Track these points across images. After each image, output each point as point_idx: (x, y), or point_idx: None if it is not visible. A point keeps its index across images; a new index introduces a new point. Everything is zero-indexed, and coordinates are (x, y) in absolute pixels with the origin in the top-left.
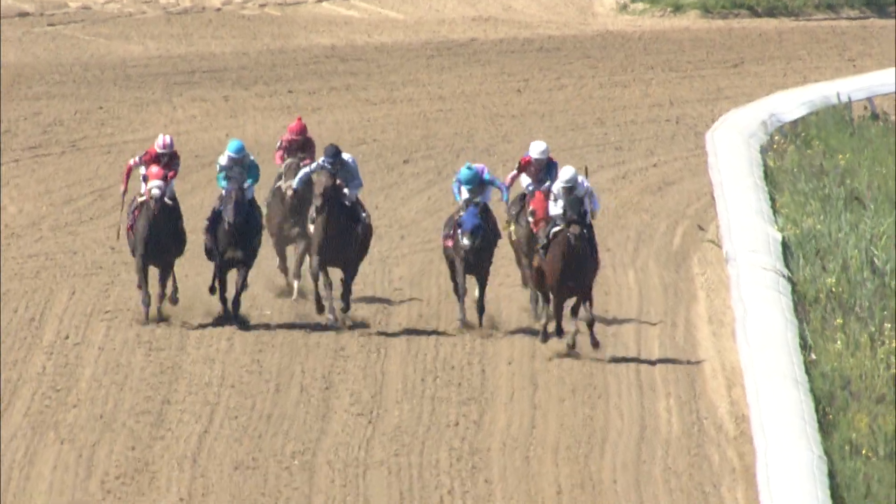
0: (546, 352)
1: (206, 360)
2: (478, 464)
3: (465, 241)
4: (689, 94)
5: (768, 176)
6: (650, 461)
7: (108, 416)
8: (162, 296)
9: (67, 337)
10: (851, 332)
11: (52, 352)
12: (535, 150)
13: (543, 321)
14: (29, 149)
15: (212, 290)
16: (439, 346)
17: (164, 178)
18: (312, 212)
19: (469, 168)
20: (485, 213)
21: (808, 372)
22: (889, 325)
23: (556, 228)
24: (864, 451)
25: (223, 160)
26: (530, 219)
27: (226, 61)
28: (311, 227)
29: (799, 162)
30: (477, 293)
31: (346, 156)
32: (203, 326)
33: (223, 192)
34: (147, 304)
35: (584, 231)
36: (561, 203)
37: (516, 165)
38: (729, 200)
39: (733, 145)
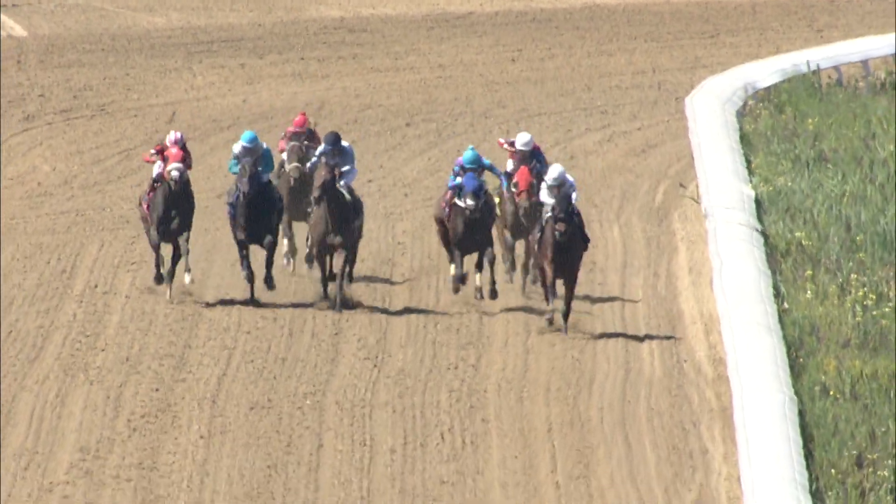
0: (537, 304)
1: (225, 307)
2: (475, 404)
3: (470, 202)
4: (670, 62)
5: (743, 138)
6: (634, 401)
7: (134, 360)
8: (188, 269)
9: (96, 286)
10: (820, 282)
11: (82, 300)
12: (520, 141)
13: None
14: (61, 112)
15: (247, 276)
16: (439, 295)
17: (183, 160)
18: (312, 201)
19: (472, 150)
20: (483, 188)
21: (780, 319)
22: (855, 276)
23: (547, 217)
24: (832, 393)
25: (237, 149)
26: (514, 189)
27: (242, 32)
28: (310, 220)
29: (772, 125)
30: (478, 280)
31: (344, 143)
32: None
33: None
34: (162, 277)
35: (569, 228)
36: (550, 199)
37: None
38: (707, 161)
39: (711, 110)
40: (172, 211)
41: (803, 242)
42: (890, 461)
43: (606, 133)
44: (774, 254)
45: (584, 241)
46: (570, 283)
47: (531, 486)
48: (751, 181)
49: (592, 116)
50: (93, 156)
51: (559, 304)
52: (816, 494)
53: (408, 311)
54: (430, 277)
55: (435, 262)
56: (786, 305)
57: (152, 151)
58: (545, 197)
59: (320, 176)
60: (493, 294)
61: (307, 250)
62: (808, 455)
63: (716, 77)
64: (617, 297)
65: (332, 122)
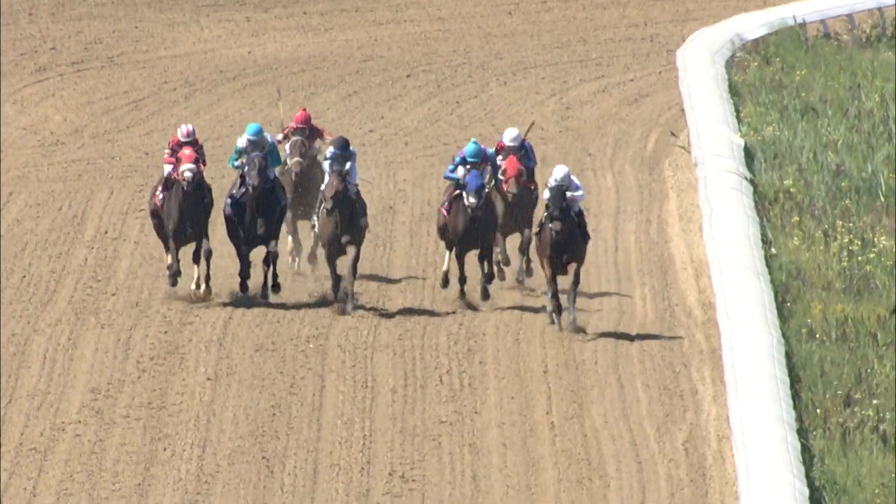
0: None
1: (230, 255)
2: (473, 346)
3: (472, 200)
4: (662, 15)
5: (732, 89)
6: (627, 343)
7: (143, 304)
8: (207, 277)
9: (106, 232)
10: (807, 228)
11: (93, 246)
12: (508, 137)
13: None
14: (72, 64)
15: (243, 285)
16: (439, 241)
17: (196, 161)
18: (319, 207)
19: (475, 143)
20: (485, 187)
21: (767, 264)
22: (840, 223)
23: (544, 217)
24: (818, 335)
25: (241, 142)
26: (501, 177)
27: None
28: (316, 220)
29: (760, 77)
30: (480, 276)
31: (351, 147)
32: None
33: (243, 169)
34: (177, 275)
35: (565, 225)
36: (547, 194)
37: (493, 150)
38: (697, 111)
39: (701, 62)
40: (189, 215)
41: (790, 190)
42: (874, 401)
43: (600, 84)
44: (762, 201)
45: (585, 239)
46: (574, 280)
47: (527, 426)
48: (740, 130)
49: (587, 68)
50: (103, 106)
51: (564, 300)
52: (802, 433)
53: (408, 256)
54: (429, 224)
55: (434, 208)
56: (773, 251)
57: (168, 151)
58: (546, 195)
59: (332, 186)
60: (485, 294)
61: (309, 250)
62: (795, 395)
63: (706, 30)
64: (610, 243)
65: (335, 73)
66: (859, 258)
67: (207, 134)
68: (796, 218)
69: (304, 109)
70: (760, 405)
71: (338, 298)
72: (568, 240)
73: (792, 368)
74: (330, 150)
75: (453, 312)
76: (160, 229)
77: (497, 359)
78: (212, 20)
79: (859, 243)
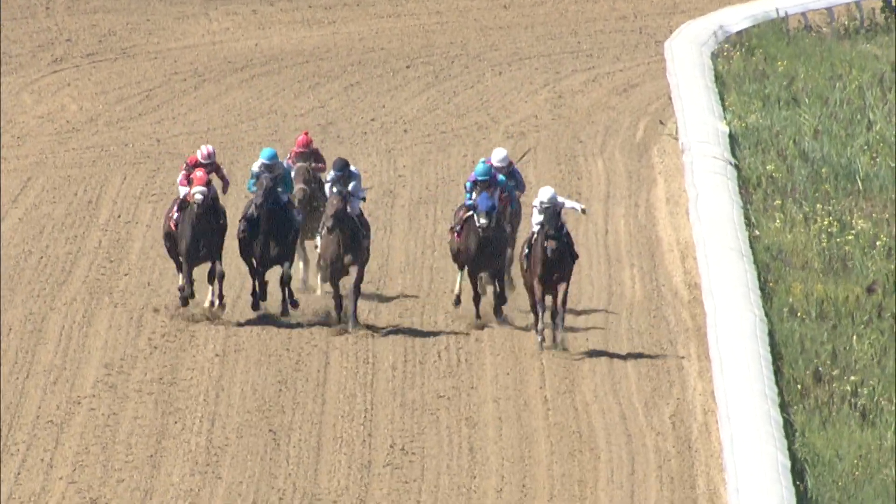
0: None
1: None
2: (470, 325)
3: (483, 221)
4: (650, 8)
5: (717, 79)
6: (616, 322)
7: (155, 284)
8: (220, 296)
9: (119, 216)
10: (788, 211)
11: (107, 229)
12: (496, 157)
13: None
14: (87, 55)
15: (254, 304)
16: (437, 224)
17: (208, 184)
18: (322, 227)
19: (484, 163)
20: (496, 208)
21: (751, 246)
22: (821, 206)
23: (535, 238)
24: (799, 314)
25: (255, 167)
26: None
27: None
28: (319, 240)
29: (744, 67)
30: (491, 290)
31: (353, 168)
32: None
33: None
34: (190, 296)
35: (560, 244)
36: (539, 217)
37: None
38: (684, 100)
39: (688, 53)
40: (202, 236)
41: (773, 175)
42: (852, 377)
43: (591, 74)
44: (746, 185)
45: (573, 258)
46: (562, 299)
47: (521, 401)
48: (724, 118)
49: (578, 59)
50: (116, 95)
51: (548, 317)
52: (784, 407)
53: (407, 238)
54: (427, 207)
55: (433, 192)
56: (756, 233)
57: (184, 172)
58: (535, 216)
59: (332, 205)
60: (499, 313)
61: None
62: (777, 371)
63: (692, 22)
64: (601, 226)
65: (338, 64)
66: (838, 240)
67: (216, 123)
68: (778, 201)
69: (306, 133)
70: (744, 381)
71: (340, 318)
72: (559, 259)
73: (774, 345)
74: (331, 173)
75: (451, 292)
76: (173, 251)
77: (492, 337)
78: (220, 13)
79: (838, 226)
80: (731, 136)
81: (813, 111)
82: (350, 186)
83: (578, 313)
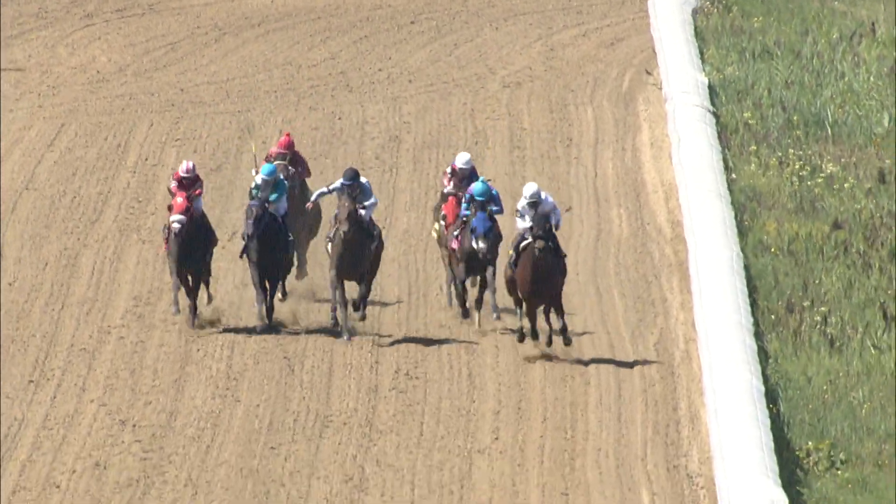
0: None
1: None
2: None
3: (481, 244)
4: None
5: (698, 34)
6: (605, 257)
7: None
8: (209, 298)
9: (147, 159)
10: (763, 156)
11: (135, 171)
12: (460, 160)
13: (521, 324)
14: (116, 11)
15: (267, 315)
16: (439, 167)
17: (186, 211)
18: (330, 231)
19: (483, 181)
20: (491, 219)
21: (728, 187)
22: (792, 151)
23: (525, 242)
24: (772, 250)
25: (257, 181)
26: (442, 222)
27: None
28: (329, 246)
29: (722, 23)
30: (478, 292)
31: (362, 179)
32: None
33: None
34: (191, 309)
35: (549, 245)
36: (527, 218)
37: (448, 170)
38: (667, 53)
39: (670, 9)
40: (188, 253)
41: (749, 122)
42: (821, 308)
43: (581, 29)
44: (724, 132)
45: (563, 270)
46: (557, 305)
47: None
48: (704, 70)
49: (569, 15)
50: (143, 48)
51: (554, 328)
52: (759, 335)
53: (411, 179)
54: (430, 151)
55: (436, 138)
56: (733, 175)
57: (174, 183)
58: (520, 220)
59: (344, 207)
60: (494, 308)
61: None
62: (752, 302)
63: None
64: (590, 169)
65: (347, 20)
66: (808, 182)
67: (235, 73)
68: (754, 147)
69: (288, 134)
70: (722, 311)
71: (336, 323)
72: (548, 267)
73: (749, 279)
74: (339, 182)
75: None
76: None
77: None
78: None
79: (808, 169)
80: (710, 86)
81: (786, 63)
82: (367, 202)
83: (569, 248)
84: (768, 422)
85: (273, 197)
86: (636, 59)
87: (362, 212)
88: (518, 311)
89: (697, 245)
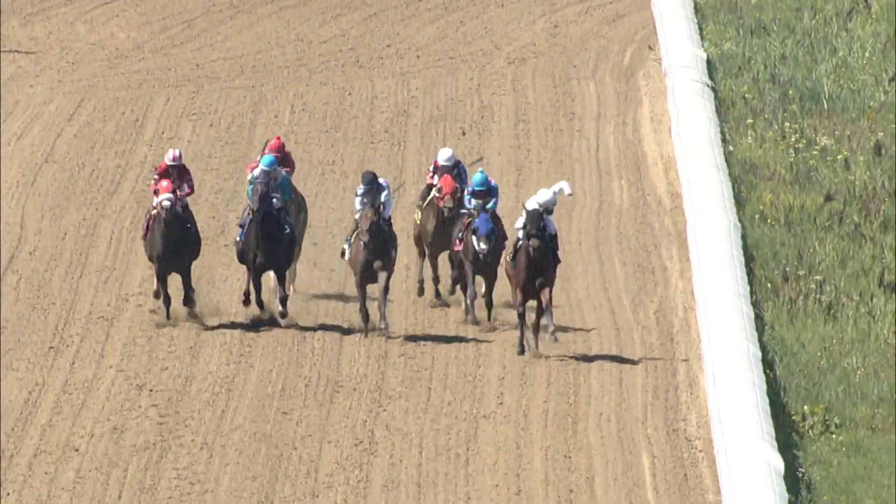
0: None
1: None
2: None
3: (483, 245)
4: None
5: (697, 10)
6: (606, 227)
7: (196, 193)
8: (186, 302)
9: (163, 133)
10: (760, 129)
11: (152, 144)
12: (442, 157)
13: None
14: None
15: (245, 301)
16: (447, 140)
17: (174, 192)
18: (350, 237)
19: (482, 173)
20: (494, 218)
21: (726, 160)
22: (788, 125)
23: (520, 243)
24: (769, 220)
25: (256, 172)
26: (437, 194)
27: None
28: (347, 251)
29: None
30: (484, 290)
31: (381, 180)
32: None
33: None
34: (168, 304)
35: (543, 243)
36: (522, 219)
37: (430, 168)
38: (667, 29)
39: None
40: (172, 246)
41: (746, 96)
42: (816, 276)
43: (584, 6)
44: (722, 106)
45: (556, 262)
46: (546, 302)
47: None
48: (703, 46)
49: None
50: (160, 25)
51: (531, 322)
52: (756, 303)
53: (419, 152)
54: (437, 125)
55: (443, 112)
56: (731, 148)
57: (155, 177)
58: (519, 221)
59: (366, 217)
60: (490, 304)
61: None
62: (749, 271)
63: None
64: (592, 142)
65: None
66: (804, 154)
67: (249, 49)
68: (751, 120)
69: (279, 137)
70: (720, 280)
71: (366, 323)
72: (541, 262)
73: (746, 248)
74: (360, 187)
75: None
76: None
77: None
78: None
79: (804, 142)
80: (708, 61)
81: (782, 39)
82: (382, 197)
83: (572, 218)
84: (765, 387)
85: (276, 196)
86: (637, 36)
87: (383, 213)
88: (520, 323)
89: (696, 215)
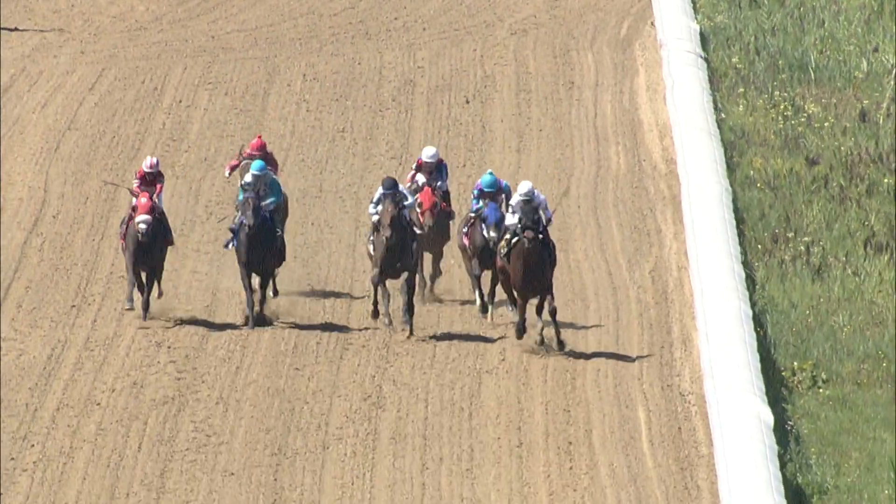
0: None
1: (282, 118)
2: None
3: (492, 233)
4: None
5: None
6: (604, 191)
7: (211, 159)
8: (160, 294)
9: (181, 101)
10: (751, 98)
11: (170, 112)
12: (426, 154)
13: (517, 319)
14: None
15: (257, 317)
16: (451, 108)
17: (152, 210)
18: (371, 234)
19: (490, 174)
20: (502, 209)
21: (718, 127)
22: (777, 93)
23: (515, 239)
24: (758, 185)
25: (248, 178)
26: (417, 209)
27: None
28: (370, 247)
29: None
30: (491, 286)
31: (400, 187)
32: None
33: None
34: (142, 298)
35: (539, 235)
36: (518, 214)
37: (414, 166)
38: (662, 2)
39: None
40: (146, 255)
41: (737, 66)
42: (804, 238)
43: None
44: (714, 75)
45: (553, 261)
46: (549, 296)
47: None
48: (696, 18)
49: None
50: None
51: (545, 323)
52: (746, 264)
53: (426, 120)
54: (442, 94)
55: (448, 81)
56: (723, 116)
57: (135, 182)
58: (510, 217)
59: (387, 212)
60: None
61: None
62: (740, 233)
63: None
64: (590, 109)
65: None
66: (792, 122)
67: (262, 21)
68: (742, 89)
69: (260, 137)
70: (712, 241)
71: (375, 318)
72: (538, 259)
73: (737, 211)
74: (379, 191)
75: (465, 163)
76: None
77: None
78: None
79: (792, 109)
80: (701, 33)
81: (772, 11)
82: (406, 202)
83: (571, 182)
84: (755, 344)
85: (271, 200)
86: (633, 8)
87: (404, 212)
88: (512, 308)
89: (689, 180)
